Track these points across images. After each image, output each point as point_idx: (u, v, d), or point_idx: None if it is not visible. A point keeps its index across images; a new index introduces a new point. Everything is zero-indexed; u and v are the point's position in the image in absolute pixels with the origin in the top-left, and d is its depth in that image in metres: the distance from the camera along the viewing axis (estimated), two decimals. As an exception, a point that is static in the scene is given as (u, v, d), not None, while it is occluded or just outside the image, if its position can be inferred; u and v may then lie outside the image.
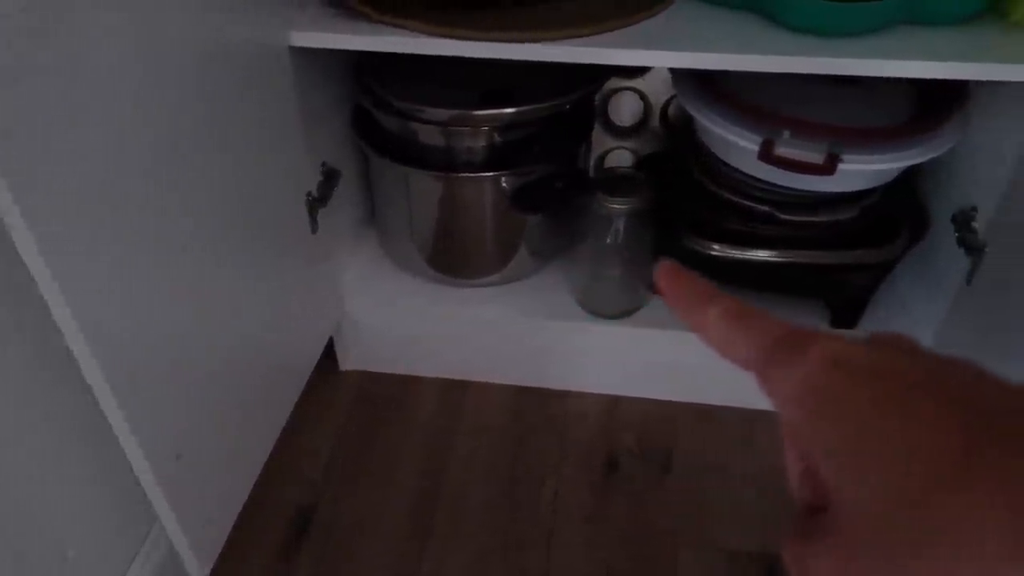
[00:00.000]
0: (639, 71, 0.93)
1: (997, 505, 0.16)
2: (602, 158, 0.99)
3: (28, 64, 0.39)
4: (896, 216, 0.79)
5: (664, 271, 0.25)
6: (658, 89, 0.93)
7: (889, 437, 0.18)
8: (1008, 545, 0.16)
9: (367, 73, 0.80)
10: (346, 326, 0.89)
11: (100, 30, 0.44)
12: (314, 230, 0.77)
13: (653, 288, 0.85)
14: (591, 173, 0.94)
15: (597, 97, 0.95)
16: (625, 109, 0.96)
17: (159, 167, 0.51)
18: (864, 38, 0.64)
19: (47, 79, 0.41)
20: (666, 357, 0.87)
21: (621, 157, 0.98)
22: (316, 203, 0.76)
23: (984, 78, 0.61)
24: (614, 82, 0.94)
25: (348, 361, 0.93)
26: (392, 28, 0.67)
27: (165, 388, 0.55)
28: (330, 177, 0.79)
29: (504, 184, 0.81)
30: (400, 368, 0.92)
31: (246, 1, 0.61)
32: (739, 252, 0.78)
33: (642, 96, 0.95)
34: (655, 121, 0.96)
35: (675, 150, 0.86)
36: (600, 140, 0.99)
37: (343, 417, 0.88)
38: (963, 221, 0.73)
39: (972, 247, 0.70)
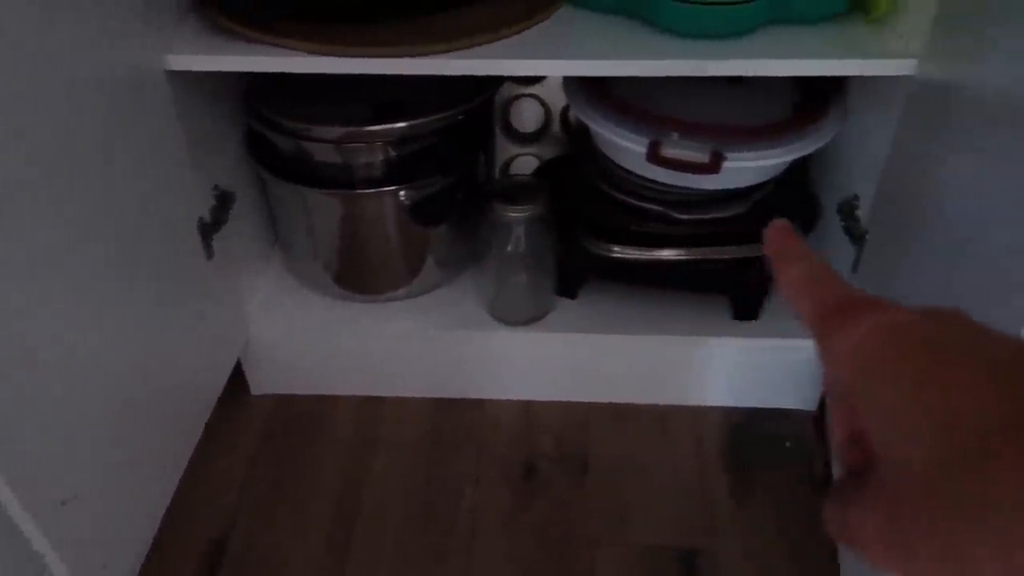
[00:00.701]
0: (535, 78, 0.93)
1: None
2: (508, 165, 1.00)
3: None
4: (788, 208, 0.81)
5: (774, 228, 0.26)
6: (557, 95, 0.94)
7: (939, 402, 0.19)
8: None
9: (256, 93, 0.79)
10: (254, 350, 0.88)
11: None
12: (209, 256, 0.75)
13: (560, 292, 0.86)
14: (493, 181, 0.94)
15: (498, 104, 0.96)
16: (526, 115, 0.97)
17: (34, 198, 0.50)
18: (737, 39, 0.65)
19: None
20: (578, 360, 0.87)
21: (527, 163, 0.99)
22: (209, 228, 0.75)
23: (848, 73, 0.64)
24: (514, 89, 0.95)
25: (259, 385, 0.91)
26: (271, 48, 0.66)
27: (44, 427, 0.53)
28: (224, 201, 0.78)
29: (404, 198, 0.80)
30: (314, 389, 0.91)
31: (116, 27, 0.59)
32: (639, 253, 0.79)
33: (542, 102, 0.95)
34: (557, 126, 0.97)
35: (574, 154, 0.87)
36: (505, 147, 0.99)
37: (256, 443, 0.87)
38: (847, 211, 0.75)
39: (855, 235, 0.73)
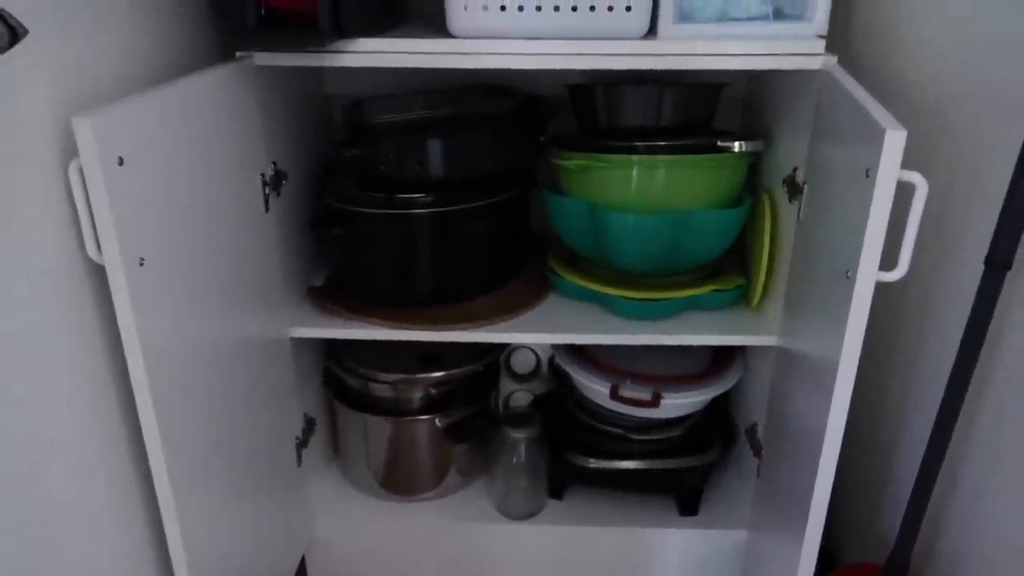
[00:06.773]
0: (530, 335, 1.28)
1: None
2: (508, 398, 1.32)
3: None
4: (712, 431, 1.13)
5: None
6: (546, 347, 1.29)
7: None
8: None
9: (337, 347, 1.13)
10: (315, 545, 1.14)
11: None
12: (299, 465, 1.04)
13: (550, 493, 1.15)
14: (500, 410, 1.26)
15: (503, 354, 1.30)
16: (523, 361, 1.31)
17: (175, 426, 0.80)
18: (666, 320, 1.01)
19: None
20: (564, 548, 1.14)
21: (523, 396, 1.31)
22: (300, 445, 1.05)
23: (737, 344, 0.98)
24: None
25: None
26: (359, 322, 1.00)
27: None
28: (310, 424, 1.08)
29: (438, 423, 1.11)
30: None
31: (260, 310, 0.93)
32: (607, 463, 1.09)
33: (534, 352, 1.30)
34: (545, 370, 1.31)
35: (559, 392, 1.20)
36: (507, 384, 1.33)
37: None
38: (751, 433, 1.07)
39: (756, 450, 1.04)
